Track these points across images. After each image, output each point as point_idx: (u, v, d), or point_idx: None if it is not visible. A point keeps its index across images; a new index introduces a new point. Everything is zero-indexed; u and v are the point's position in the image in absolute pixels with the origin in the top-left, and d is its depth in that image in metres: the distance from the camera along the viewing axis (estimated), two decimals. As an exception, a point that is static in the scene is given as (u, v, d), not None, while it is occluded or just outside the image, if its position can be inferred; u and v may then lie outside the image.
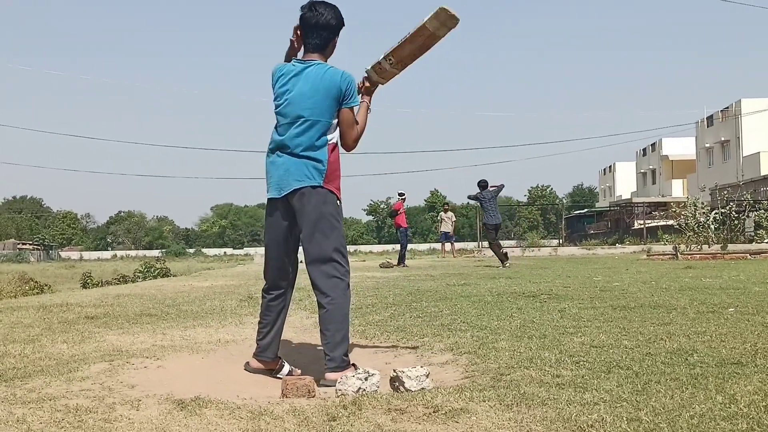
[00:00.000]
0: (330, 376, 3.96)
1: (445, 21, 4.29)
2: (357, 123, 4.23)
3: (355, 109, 4.22)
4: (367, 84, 4.43)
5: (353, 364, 4.09)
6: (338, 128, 4.19)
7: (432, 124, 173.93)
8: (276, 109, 4.22)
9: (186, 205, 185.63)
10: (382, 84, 4.48)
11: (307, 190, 4.07)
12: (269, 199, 4.21)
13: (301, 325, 6.31)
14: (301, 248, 4.22)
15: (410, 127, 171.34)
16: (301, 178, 4.08)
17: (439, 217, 28.41)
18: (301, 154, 4.09)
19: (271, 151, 4.22)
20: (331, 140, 4.15)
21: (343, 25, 4.27)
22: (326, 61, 4.25)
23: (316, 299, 4.20)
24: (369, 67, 4.42)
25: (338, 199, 4.16)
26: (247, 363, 4.42)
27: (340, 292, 4.09)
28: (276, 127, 4.22)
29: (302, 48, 4.27)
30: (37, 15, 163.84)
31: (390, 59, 4.37)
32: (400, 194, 20.73)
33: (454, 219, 28.76)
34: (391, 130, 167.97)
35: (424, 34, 4.32)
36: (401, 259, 19.43)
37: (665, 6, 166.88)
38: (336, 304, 4.06)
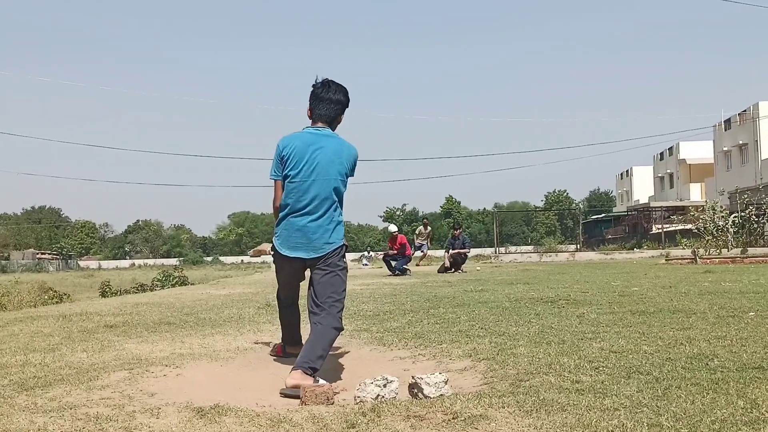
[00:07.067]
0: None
1: None
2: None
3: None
4: None
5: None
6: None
7: (447, 131, 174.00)
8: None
9: (203, 214, 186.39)
10: None
11: None
12: None
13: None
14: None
15: (426, 133, 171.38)
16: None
17: (418, 231, 26.83)
18: None
19: None
20: None
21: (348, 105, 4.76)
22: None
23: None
24: None
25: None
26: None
27: None
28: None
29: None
30: (54, 25, 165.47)
31: None
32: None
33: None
34: (407, 136, 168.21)
35: None
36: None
37: (682, 9, 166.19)
38: None
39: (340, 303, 4.45)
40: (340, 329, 4.43)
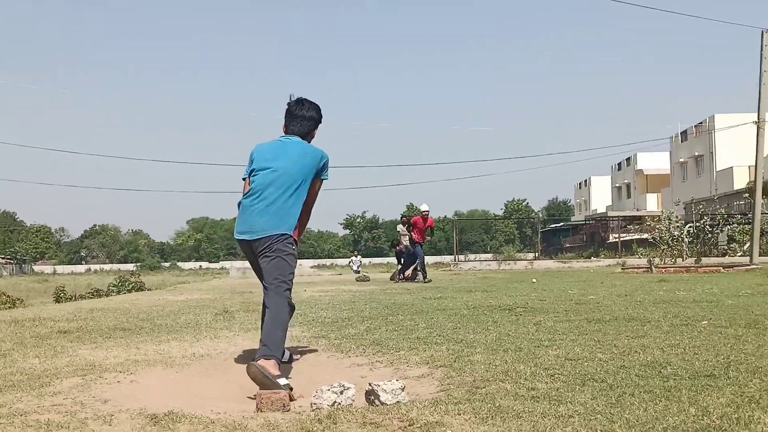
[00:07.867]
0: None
1: None
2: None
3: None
4: None
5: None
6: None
7: (409, 139, 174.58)
8: None
9: (161, 219, 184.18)
10: None
11: None
12: None
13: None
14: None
15: (387, 141, 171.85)
16: None
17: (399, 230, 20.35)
18: None
19: None
20: None
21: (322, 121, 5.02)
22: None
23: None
24: None
25: None
26: None
27: None
28: None
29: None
30: (11, 28, 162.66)
31: None
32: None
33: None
34: (368, 144, 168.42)
35: None
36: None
37: (640, 21, 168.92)
38: None
39: (286, 283, 4.53)
40: (291, 307, 4.54)
